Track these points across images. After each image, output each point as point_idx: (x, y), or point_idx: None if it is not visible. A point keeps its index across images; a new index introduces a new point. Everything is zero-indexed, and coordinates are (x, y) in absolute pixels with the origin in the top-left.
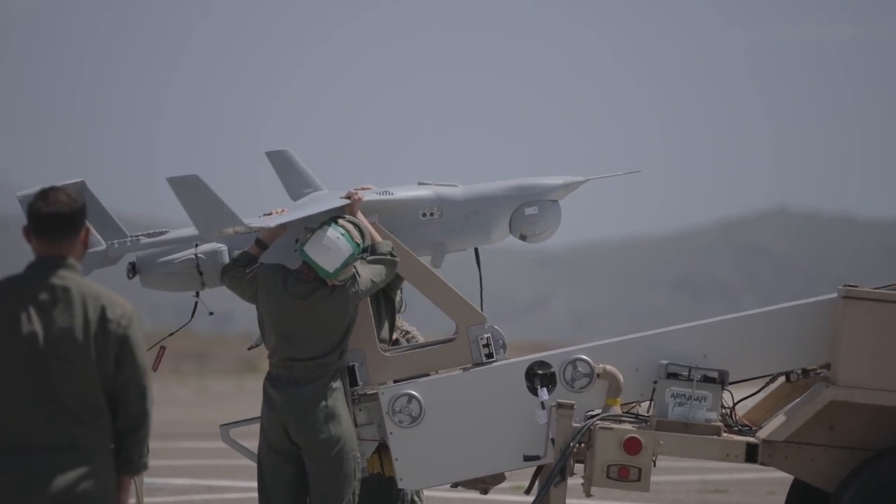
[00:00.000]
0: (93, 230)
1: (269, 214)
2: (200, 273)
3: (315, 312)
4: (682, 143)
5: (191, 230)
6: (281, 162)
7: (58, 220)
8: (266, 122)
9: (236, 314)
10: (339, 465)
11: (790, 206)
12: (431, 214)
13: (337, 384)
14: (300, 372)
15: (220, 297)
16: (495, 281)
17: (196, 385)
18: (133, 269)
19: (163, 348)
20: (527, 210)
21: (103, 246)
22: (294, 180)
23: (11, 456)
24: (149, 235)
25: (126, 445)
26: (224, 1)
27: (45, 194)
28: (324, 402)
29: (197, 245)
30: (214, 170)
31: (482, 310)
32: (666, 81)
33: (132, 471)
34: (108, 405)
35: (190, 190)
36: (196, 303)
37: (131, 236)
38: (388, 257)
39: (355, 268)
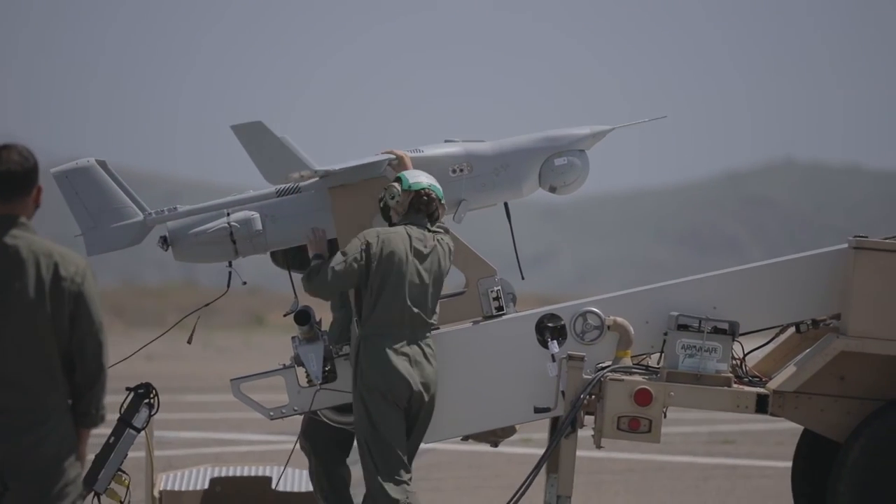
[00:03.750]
0: (135, 202)
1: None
2: (234, 242)
3: (435, 264)
4: (686, 95)
5: (225, 199)
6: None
7: (9, 178)
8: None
9: (241, 268)
10: (432, 410)
11: (796, 158)
12: (461, 170)
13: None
14: (421, 332)
15: (254, 265)
16: (500, 234)
17: (202, 339)
18: (165, 242)
19: (197, 318)
20: (556, 161)
21: (140, 217)
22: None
23: None
24: (170, 210)
25: (83, 400)
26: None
27: None
28: (433, 357)
29: (229, 213)
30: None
31: (519, 265)
32: (669, 31)
33: (89, 424)
34: (64, 362)
35: (254, 137)
36: (230, 272)
37: (168, 208)
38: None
39: None
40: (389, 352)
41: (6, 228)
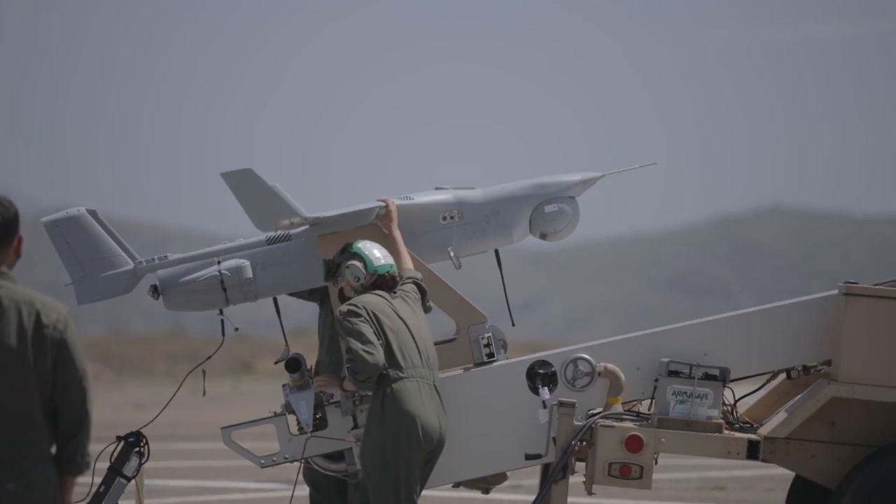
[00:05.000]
0: (125, 251)
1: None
2: (225, 290)
3: (410, 308)
4: (676, 141)
5: (215, 247)
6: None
7: None
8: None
9: (230, 315)
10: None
11: (784, 204)
12: (452, 218)
13: None
14: (436, 374)
15: (242, 312)
16: (490, 281)
17: (190, 386)
18: (156, 291)
19: (203, 372)
20: (546, 208)
21: (131, 266)
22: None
23: None
24: (160, 259)
25: (69, 447)
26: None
27: None
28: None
29: (219, 262)
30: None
31: (510, 311)
32: (660, 79)
33: (74, 472)
34: (47, 410)
35: (244, 184)
36: (223, 321)
37: (158, 256)
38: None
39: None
40: (420, 395)
41: None
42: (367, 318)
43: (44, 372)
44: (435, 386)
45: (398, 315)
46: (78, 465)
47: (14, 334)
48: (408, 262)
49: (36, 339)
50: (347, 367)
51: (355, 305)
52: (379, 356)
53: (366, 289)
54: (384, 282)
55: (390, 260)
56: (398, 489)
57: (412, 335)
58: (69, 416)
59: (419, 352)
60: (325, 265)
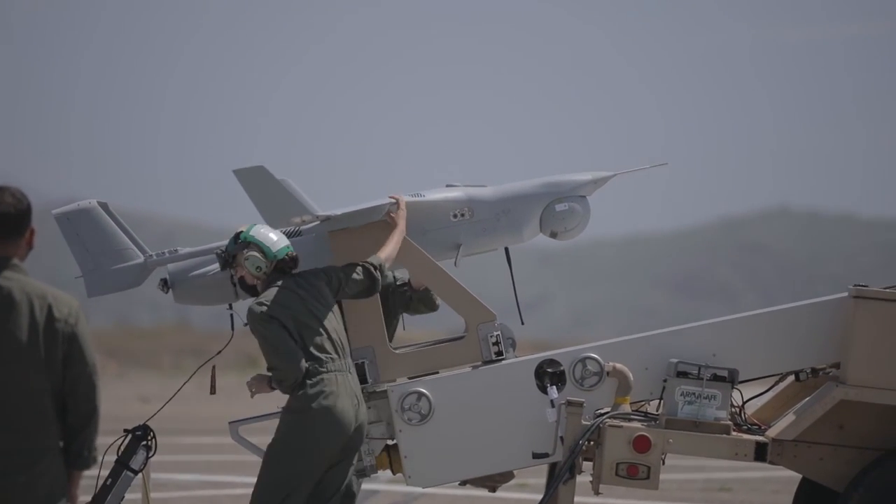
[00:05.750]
0: (135, 244)
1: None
2: (234, 284)
3: (316, 293)
4: (682, 142)
5: (225, 241)
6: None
7: (3, 220)
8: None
9: (238, 309)
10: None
11: (791, 205)
12: (462, 215)
13: None
14: (349, 362)
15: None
16: (497, 279)
17: (198, 381)
18: (166, 284)
19: (213, 367)
20: (557, 207)
21: (141, 259)
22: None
23: None
24: (170, 252)
25: (76, 441)
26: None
27: None
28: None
29: None
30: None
31: (519, 309)
32: (666, 79)
33: (81, 465)
34: (56, 402)
35: (256, 181)
36: (231, 315)
37: (169, 250)
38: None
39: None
40: (336, 388)
41: None
42: (281, 322)
43: (54, 365)
44: (349, 371)
45: (306, 308)
46: (85, 459)
47: (26, 327)
48: (385, 252)
49: (47, 333)
50: (272, 377)
51: (266, 311)
52: (299, 361)
53: (269, 276)
54: (285, 264)
55: (286, 241)
56: (288, 487)
57: (322, 325)
58: (78, 409)
59: (332, 341)
60: (219, 257)
